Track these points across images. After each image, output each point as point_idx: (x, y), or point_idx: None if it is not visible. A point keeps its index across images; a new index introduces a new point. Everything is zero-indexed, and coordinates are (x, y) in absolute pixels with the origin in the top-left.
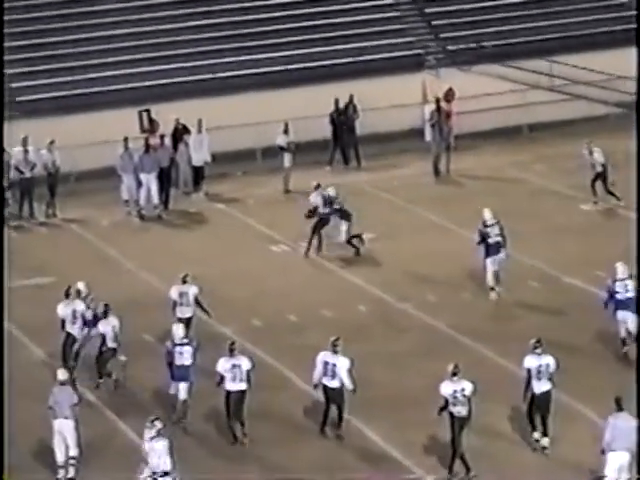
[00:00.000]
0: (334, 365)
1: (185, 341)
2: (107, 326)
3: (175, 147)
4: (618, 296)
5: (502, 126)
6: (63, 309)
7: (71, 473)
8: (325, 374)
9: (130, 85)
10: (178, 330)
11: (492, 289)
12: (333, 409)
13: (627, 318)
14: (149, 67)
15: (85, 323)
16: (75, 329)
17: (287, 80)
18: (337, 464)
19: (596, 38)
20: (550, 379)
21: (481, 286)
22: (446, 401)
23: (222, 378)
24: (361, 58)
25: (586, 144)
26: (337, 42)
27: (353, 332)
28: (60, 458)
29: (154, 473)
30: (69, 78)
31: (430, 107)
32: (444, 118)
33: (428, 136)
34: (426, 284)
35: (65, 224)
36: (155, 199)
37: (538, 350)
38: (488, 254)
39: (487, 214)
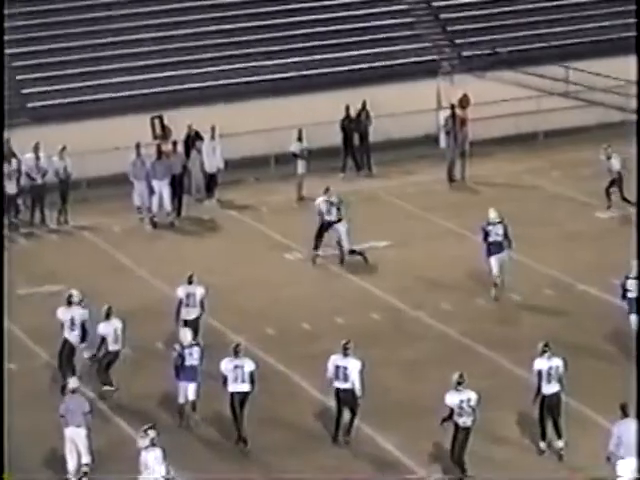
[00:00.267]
0: (345, 368)
1: (194, 343)
2: (108, 328)
3: (187, 154)
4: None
5: (517, 133)
6: (63, 313)
7: None
8: (337, 377)
9: (142, 91)
10: (186, 335)
11: (495, 285)
12: (345, 416)
13: None
14: (162, 73)
15: (84, 331)
16: (73, 336)
17: (301, 86)
18: (349, 472)
19: (612, 44)
20: (560, 381)
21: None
22: (451, 411)
23: (225, 379)
24: (376, 64)
25: (604, 149)
26: (351, 48)
27: (366, 340)
28: (71, 466)
29: None
30: (81, 84)
31: (445, 113)
32: (459, 124)
33: (443, 143)
34: (440, 291)
35: (77, 231)
36: (167, 206)
37: (547, 353)
38: (490, 253)
39: (492, 213)
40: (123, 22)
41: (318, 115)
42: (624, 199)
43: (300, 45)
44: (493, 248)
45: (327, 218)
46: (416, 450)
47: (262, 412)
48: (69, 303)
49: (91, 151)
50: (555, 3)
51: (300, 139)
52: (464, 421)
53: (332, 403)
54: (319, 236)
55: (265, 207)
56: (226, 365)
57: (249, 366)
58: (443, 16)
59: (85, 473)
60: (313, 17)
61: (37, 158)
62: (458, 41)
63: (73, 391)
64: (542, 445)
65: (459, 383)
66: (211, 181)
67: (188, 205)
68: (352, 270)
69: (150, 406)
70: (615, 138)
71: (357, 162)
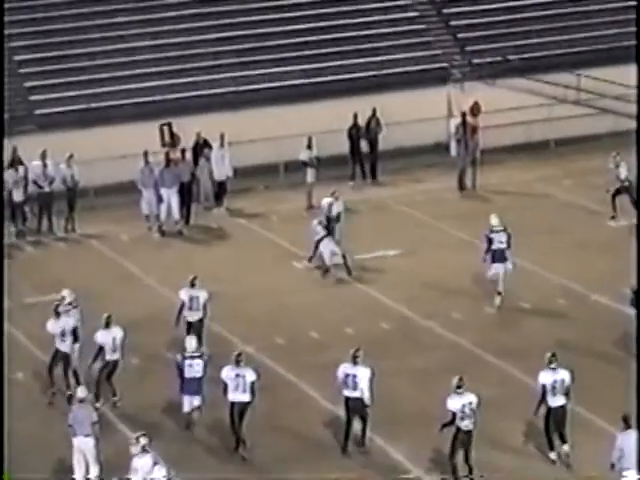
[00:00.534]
0: (354, 376)
1: (196, 354)
2: (107, 337)
3: (196, 161)
4: None
5: (528, 141)
6: (53, 326)
7: None
8: (346, 385)
9: (150, 98)
10: (191, 342)
11: (499, 294)
12: (355, 426)
13: None
14: (170, 80)
15: (75, 338)
16: (64, 346)
17: (311, 93)
18: None
19: (623, 51)
20: (566, 394)
21: (506, 303)
22: (453, 416)
23: (226, 387)
24: (386, 71)
25: (613, 157)
26: (362, 55)
27: (376, 349)
28: (79, 477)
29: None
30: (89, 91)
31: (455, 121)
32: (470, 132)
33: (453, 151)
34: (450, 300)
35: (84, 239)
36: (176, 214)
37: (553, 365)
38: (494, 260)
39: (494, 220)
40: (131, 29)
41: (328, 123)
42: (634, 205)
43: (310, 52)
44: (497, 255)
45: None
46: (427, 460)
47: (270, 421)
48: (57, 314)
49: (99, 159)
50: (566, 10)
51: (310, 147)
52: (466, 424)
53: (341, 412)
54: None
55: (274, 215)
56: (227, 373)
57: (250, 376)
58: (454, 23)
59: None
60: (323, 24)
61: (44, 165)
62: (469, 48)
63: (81, 401)
64: (552, 455)
65: (459, 387)
66: (220, 189)
67: (197, 213)
68: (361, 279)
69: (157, 415)
70: (626, 146)
71: (363, 170)
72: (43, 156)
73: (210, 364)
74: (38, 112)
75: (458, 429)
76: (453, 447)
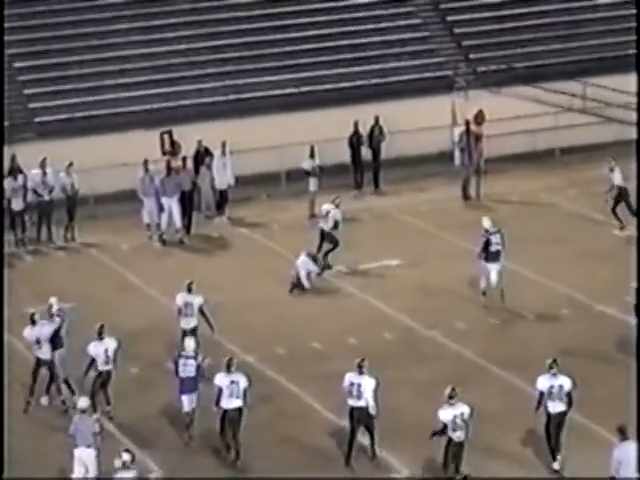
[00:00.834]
0: (359, 385)
1: (191, 354)
2: (98, 348)
3: (197, 170)
4: None
5: (533, 149)
6: (29, 334)
7: None
8: (350, 395)
9: (151, 106)
10: (190, 343)
11: (484, 293)
12: (362, 439)
13: None
14: (170, 88)
15: (54, 345)
16: (41, 353)
17: (313, 102)
18: None
19: (629, 60)
20: (569, 402)
21: (511, 313)
22: (444, 426)
23: (220, 392)
24: (389, 79)
25: (607, 162)
26: (365, 63)
27: (379, 360)
28: None
29: None
30: (89, 99)
31: (459, 130)
32: (474, 141)
33: (457, 160)
34: (453, 311)
35: (84, 248)
36: (177, 223)
37: (553, 370)
38: (487, 260)
39: (486, 222)
40: (132, 36)
41: (330, 131)
42: (634, 214)
43: (313, 60)
44: (492, 256)
45: (321, 225)
46: (430, 471)
47: (272, 432)
48: (33, 322)
49: (99, 167)
50: (572, 18)
51: (312, 156)
52: (458, 435)
53: (344, 423)
54: (319, 249)
55: (276, 225)
56: (221, 380)
57: (243, 382)
58: (458, 31)
59: None
60: (325, 31)
61: (44, 174)
62: (473, 56)
63: (83, 411)
64: (555, 465)
65: (451, 397)
66: (221, 198)
67: (198, 222)
68: (364, 289)
69: (158, 425)
70: (632, 155)
71: (362, 178)
72: (42, 164)
73: (207, 371)
74: (38, 120)
75: (450, 440)
76: (446, 458)
